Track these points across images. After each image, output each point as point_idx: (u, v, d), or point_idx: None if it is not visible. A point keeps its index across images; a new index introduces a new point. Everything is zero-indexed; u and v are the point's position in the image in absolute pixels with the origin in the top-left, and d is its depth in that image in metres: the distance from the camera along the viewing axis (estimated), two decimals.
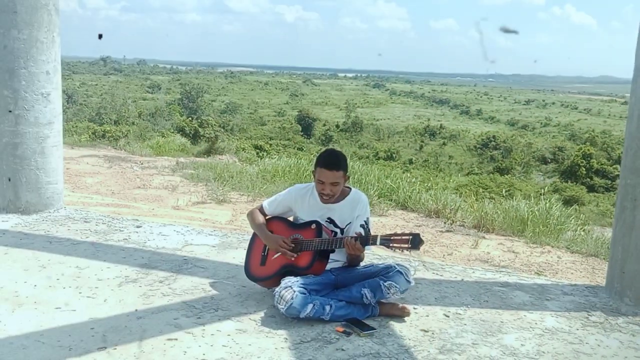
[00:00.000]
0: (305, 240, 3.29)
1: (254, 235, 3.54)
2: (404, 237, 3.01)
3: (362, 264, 3.43)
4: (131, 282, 3.64)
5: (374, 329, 3.09)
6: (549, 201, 7.25)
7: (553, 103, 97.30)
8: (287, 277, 3.20)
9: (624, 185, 3.68)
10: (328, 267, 3.33)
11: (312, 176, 3.40)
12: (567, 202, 10.52)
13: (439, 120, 72.50)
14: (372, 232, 3.31)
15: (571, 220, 7.02)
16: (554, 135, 65.22)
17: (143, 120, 41.54)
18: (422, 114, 79.19)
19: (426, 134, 63.78)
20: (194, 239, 4.63)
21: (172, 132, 26.24)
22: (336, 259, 3.36)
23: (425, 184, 10.10)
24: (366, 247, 3.16)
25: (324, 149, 3.55)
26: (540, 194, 8.65)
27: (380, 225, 6.14)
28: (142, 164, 9.47)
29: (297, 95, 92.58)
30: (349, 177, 3.36)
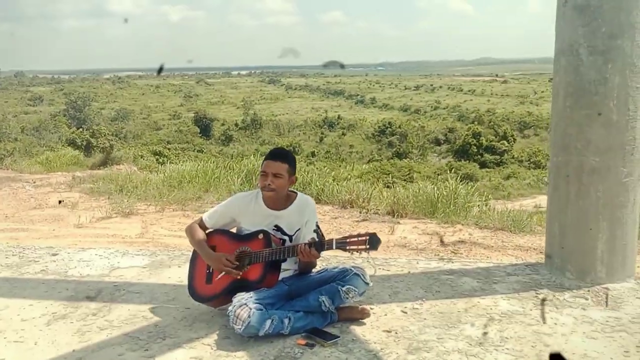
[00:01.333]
0: (253, 252, 3.07)
1: (195, 251, 3.28)
2: (360, 239, 2.87)
3: (314, 269, 3.26)
4: (60, 318, 3.25)
5: (337, 336, 2.95)
6: (454, 181, 7.49)
7: (440, 87, 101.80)
8: (239, 294, 2.98)
9: (555, 162, 3.77)
10: (279, 277, 3.14)
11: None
12: (463, 179, 11.11)
13: (336, 111, 73.65)
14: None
15: (475, 198, 7.30)
16: (444, 118, 68.37)
17: (27, 135, 39.16)
18: (320, 107, 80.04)
19: (325, 126, 64.62)
20: (120, 262, 4.25)
21: (62, 146, 24.80)
22: (286, 268, 3.17)
23: (331, 175, 10.15)
24: (320, 253, 3.01)
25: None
26: (438, 174, 8.96)
27: None
28: (34, 182, 8.74)
29: (191, 97, 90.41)
30: (295, 180, 3.17)
